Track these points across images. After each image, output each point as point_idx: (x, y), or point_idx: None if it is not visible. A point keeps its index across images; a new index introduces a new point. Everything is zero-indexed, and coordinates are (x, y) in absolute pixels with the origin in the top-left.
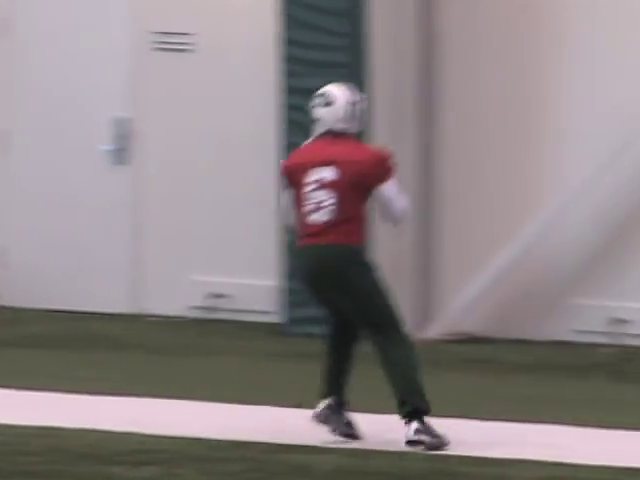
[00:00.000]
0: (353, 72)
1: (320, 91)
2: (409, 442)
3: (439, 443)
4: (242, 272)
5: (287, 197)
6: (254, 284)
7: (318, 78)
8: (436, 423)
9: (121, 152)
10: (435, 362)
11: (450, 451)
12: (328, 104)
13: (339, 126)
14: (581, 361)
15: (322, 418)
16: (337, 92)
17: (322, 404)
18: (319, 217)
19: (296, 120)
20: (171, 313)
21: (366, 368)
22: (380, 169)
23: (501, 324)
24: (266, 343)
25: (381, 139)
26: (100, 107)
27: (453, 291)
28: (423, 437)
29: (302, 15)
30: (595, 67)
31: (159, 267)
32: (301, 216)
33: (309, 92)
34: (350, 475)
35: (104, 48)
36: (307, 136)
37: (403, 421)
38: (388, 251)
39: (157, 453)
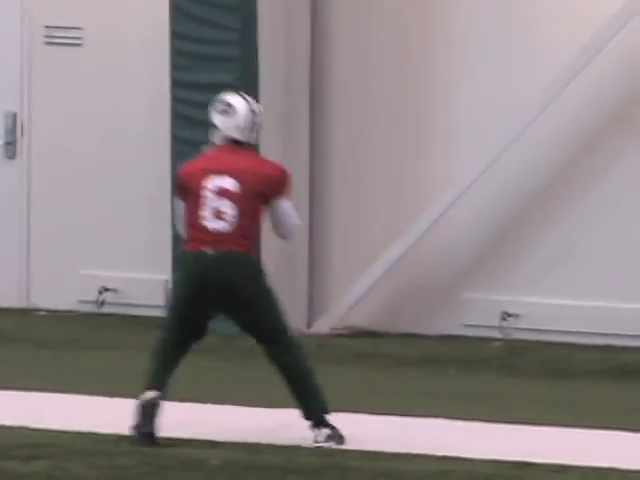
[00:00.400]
0: (243, 67)
1: (220, 98)
2: (318, 445)
3: (343, 442)
4: (132, 266)
5: (181, 206)
6: (144, 278)
7: (207, 72)
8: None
9: (9, 146)
10: (325, 357)
11: (342, 445)
12: (228, 113)
13: (238, 136)
14: (471, 355)
15: (144, 409)
16: (238, 102)
17: (149, 395)
18: (216, 225)
19: (185, 114)
20: (61, 307)
21: (254, 363)
22: (280, 183)
23: (391, 318)
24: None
25: (272, 132)
26: None
27: (344, 285)
28: (333, 442)
29: (192, 9)
30: (483, 66)
31: (49, 261)
32: (194, 221)
33: (198, 86)
34: (240, 470)
35: None
36: (195, 130)
37: (309, 422)
38: (278, 245)
39: (46, 447)
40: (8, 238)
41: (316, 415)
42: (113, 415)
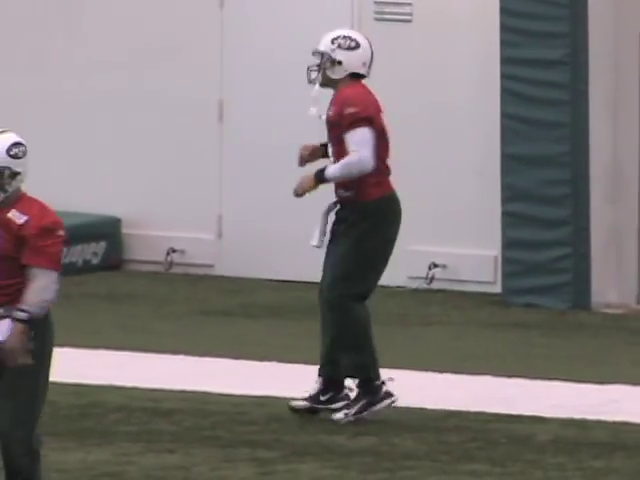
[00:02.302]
0: (573, 43)
1: (345, 34)
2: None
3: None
4: (462, 242)
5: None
6: (474, 254)
7: (537, 49)
8: None
9: None
10: None
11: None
12: (354, 49)
13: (363, 71)
14: None
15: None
16: (362, 38)
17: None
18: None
19: (514, 90)
20: (390, 283)
21: (582, 338)
22: None
23: None
24: (486, 312)
25: (602, 108)
26: None
27: None
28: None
29: None
30: None
31: None
32: (383, 164)
33: (528, 63)
34: (569, 445)
35: (326, 18)
36: (525, 106)
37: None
38: (607, 221)
39: (374, 423)
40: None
41: None
42: (439, 391)
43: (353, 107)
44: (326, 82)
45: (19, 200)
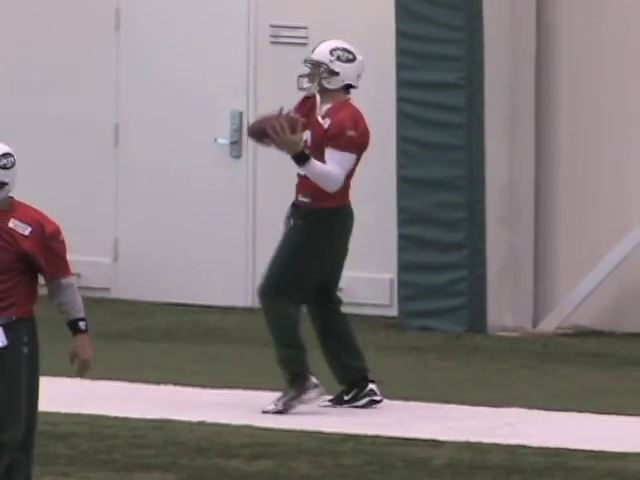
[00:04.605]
0: (468, 66)
1: (343, 46)
2: None
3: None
4: (358, 265)
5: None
6: (370, 277)
7: (432, 71)
8: (551, 416)
9: (235, 145)
10: (551, 356)
11: (565, 445)
12: (352, 61)
13: (356, 83)
14: None
15: None
16: (357, 51)
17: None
18: None
19: (410, 113)
20: None
21: (476, 363)
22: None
23: (617, 317)
24: (382, 336)
25: (497, 132)
26: (217, 100)
27: (570, 284)
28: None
29: (418, 7)
30: None
31: None
32: (349, 179)
33: (424, 85)
34: (464, 469)
35: (223, 41)
36: (421, 129)
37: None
38: (504, 245)
39: (271, 446)
40: (234, 237)
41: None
42: (336, 414)
43: (354, 131)
44: (321, 91)
45: (14, 208)
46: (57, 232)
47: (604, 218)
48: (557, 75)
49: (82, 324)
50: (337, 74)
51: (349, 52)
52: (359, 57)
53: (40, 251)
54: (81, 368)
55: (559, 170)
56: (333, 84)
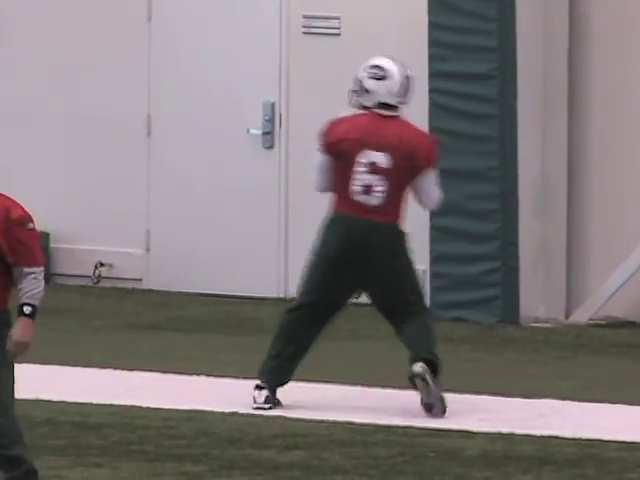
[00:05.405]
0: (501, 56)
1: (374, 63)
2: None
3: None
4: None
5: (324, 161)
6: None
7: (465, 62)
8: (584, 407)
9: (268, 136)
10: (583, 347)
11: (597, 436)
12: (383, 78)
13: (391, 101)
14: None
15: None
16: (392, 67)
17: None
18: (368, 200)
19: (443, 104)
20: None
21: (511, 353)
22: (426, 159)
23: None
24: None
25: (530, 122)
26: (250, 91)
27: (602, 275)
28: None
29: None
30: None
31: (308, 252)
32: (344, 192)
33: (456, 77)
34: (497, 460)
35: (256, 31)
36: (454, 120)
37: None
38: (536, 236)
39: (303, 437)
40: (266, 228)
41: None
42: (368, 405)
43: (321, 135)
44: (358, 108)
45: None
46: (24, 219)
47: (637, 210)
48: (590, 66)
49: (27, 308)
50: (367, 91)
51: (380, 69)
52: (393, 74)
53: (2, 235)
54: (13, 350)
55: (592, 161)
56: (367, 101)
